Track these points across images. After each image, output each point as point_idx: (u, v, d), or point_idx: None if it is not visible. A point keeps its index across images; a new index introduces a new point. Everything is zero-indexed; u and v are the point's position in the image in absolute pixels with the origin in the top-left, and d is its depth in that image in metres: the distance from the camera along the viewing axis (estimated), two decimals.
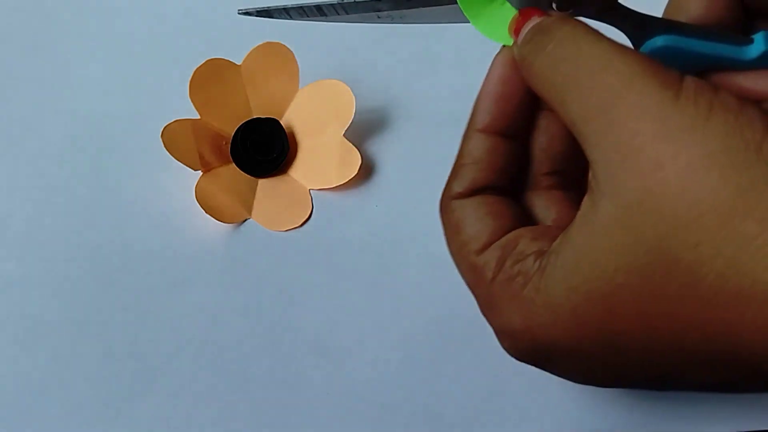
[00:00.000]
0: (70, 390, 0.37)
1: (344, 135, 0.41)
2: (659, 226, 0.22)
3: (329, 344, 0.38)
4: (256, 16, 0.32)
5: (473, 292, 0.28)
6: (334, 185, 0.41)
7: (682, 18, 0.28)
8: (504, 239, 0.27)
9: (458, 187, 0.28)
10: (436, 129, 0.42)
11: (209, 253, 0.40)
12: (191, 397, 0.37)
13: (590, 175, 0.24)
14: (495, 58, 0.28)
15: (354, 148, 0.41)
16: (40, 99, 0.44)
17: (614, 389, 0.37)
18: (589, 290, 0.23)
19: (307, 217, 0.41)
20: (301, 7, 0.30)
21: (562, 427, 0.37)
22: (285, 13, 0.31)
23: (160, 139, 0.39)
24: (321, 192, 0.42)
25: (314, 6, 0.30)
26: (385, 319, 0.39)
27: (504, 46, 0.28)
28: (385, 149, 0.42)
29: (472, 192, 0.28)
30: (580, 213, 0.24)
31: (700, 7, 0.28)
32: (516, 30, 0.27)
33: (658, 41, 0.28)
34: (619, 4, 0.28)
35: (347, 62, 0.44)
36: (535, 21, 0.26)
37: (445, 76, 0.43)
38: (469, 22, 0.28)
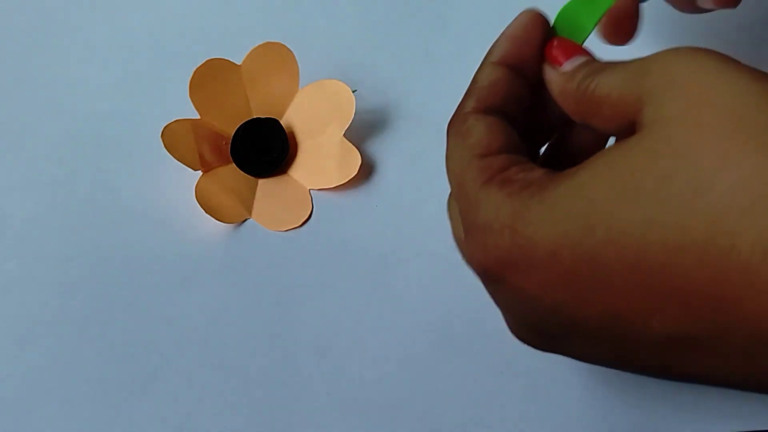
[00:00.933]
0: (70, 390, 0.37)
1: (344, 135, 0.41)
2: (693, 132, 0.21)
3: (329, 344, 0.38)
4: None
5: (462, 195, 0.27)
6: (334, 185, 0.41)
7: None
8: (512, 154, 0.27)
9: (472, 104, 0.28)
10: (436, 129, 0.42)
11: (209, 253, 0.40)
12: (191, 397, 0.37)
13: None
14: (522, 14, 0.29)
15: (354, 148, 0.41)
16: (40, 99, 0.44)
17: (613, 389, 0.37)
18: (596, 192, 0.22)
19: (307, 217, 0.41)
20: None
21: (561, 427, 0.37)
22: None
23: (160, 139, 0.39)
24: (321, 192, 0.42)
25: None
26: (385, 319, 0.39)
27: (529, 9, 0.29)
28: (385, 149, 0.42)
29: (485, 110, 0.28)
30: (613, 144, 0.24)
31: None
32: (555, 58, 0.28)
33: None
34: None
35: (347, 62, 0.44)
36: (583, 59, 0.27)
37: (445, 76, 0.43)
38: None
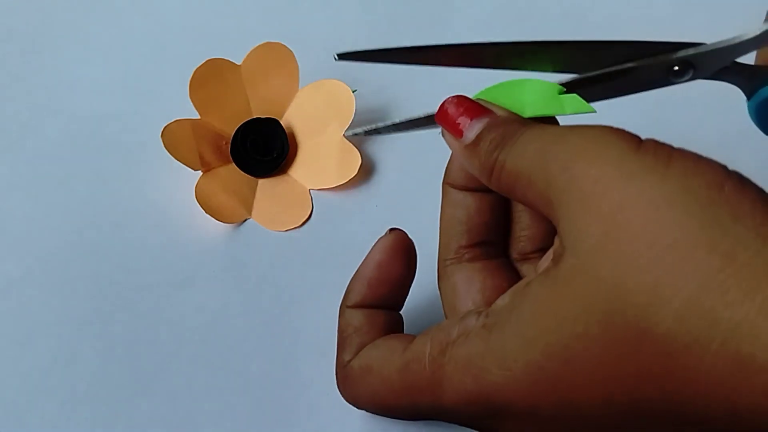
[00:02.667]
0: (69, 390, 0.37)
1: (344, 135, 0.41)
2: (617, 269, 0.21)
3: (329, 344, 0.38)
4: (365, 134, 0.32)
5: (413, 394, 0.26)
6: (334, 185, 0.41)
7: None
8: (435, 329, 0.26)
9: (349, 355, 0.29)
10: (436, 129, 0.42)
11: (209, 253, 0.40)
12: (191, 397, 0.37)
13: (555, 240, 0.23)
14: (377, 243, 0.29)
15: (354, 148, 0.41)
16: (40, 99, 0.44)
17: None
18: (547, 343, 0.22)
19: (307, 217, 0.41)
20: (411, 120, 0.30)
21: None
22: (394, 127, 0.31)
23: (160, 139, 0.39)
24: (321, 192, 0.42)
25: (425, 117, 0.30)
26: None
27: (389, 233, 0.29)
28: (385, 149, 0.42)
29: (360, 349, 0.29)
30: (540, 271, 0.23)
31: None
32: (454, 126, 0.26)
33: None
34: (733, 62, 0.28)
35: (347, 62, 0.44)
36: (485, 121, 0.26)
37: (445, 76, 0.43)
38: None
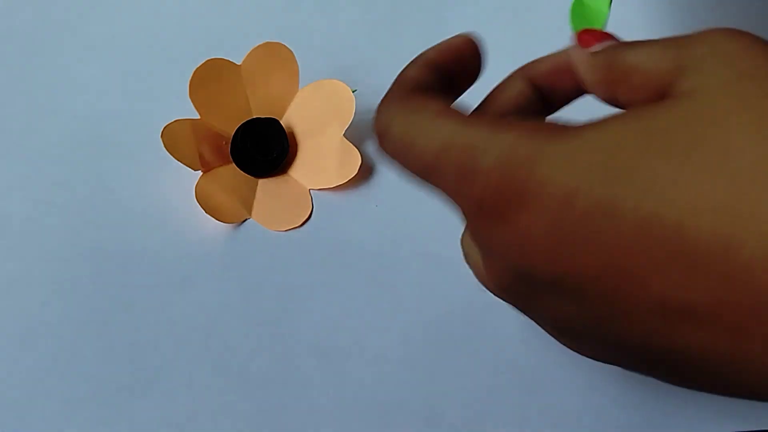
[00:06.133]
0: (70, 390, 0.37)
1: (344, 135, 0.41)
2: (731, 124, 0.21)
3: (329, 344, 0.38)
4: None
5: (468, 144, 0.24)
6: (334, 185, 0.41)
7: None
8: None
9: (397, 104, 0.28)
10: None
11: (209, 253, 0.40)
12: (191, 397, 0.37)
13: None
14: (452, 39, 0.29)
15: (354, 148, 0.41)
16: (40, 99, 0.44)
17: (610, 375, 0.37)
18: (626, 147, 0.22)
19: (307, 217, 0.41)
20: None
21: (561, 426, 0.37)
22: None
23: (160, 139, 0.39)
24: (321, 192, 0.42)
25: None
26: (385, 319, 0.39)
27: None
28: None
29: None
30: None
31: None
32: (586, 41, 0.28)
33: None
34: None
35: (347, 62, 0.44)
36: (614, 42, 0.27)
37: None
38: None
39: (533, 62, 0.29)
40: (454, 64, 0.29)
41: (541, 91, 0.29)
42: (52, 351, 0.38)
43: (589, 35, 0.28)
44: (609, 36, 0.28)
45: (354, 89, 0.41)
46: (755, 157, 0.20)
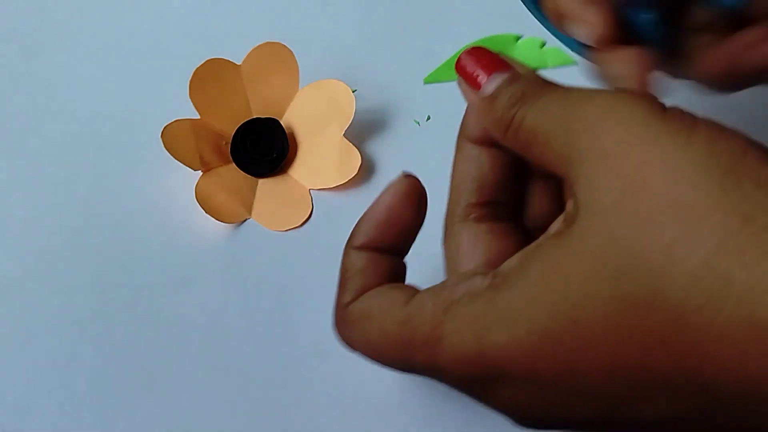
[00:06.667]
0: (70, 390, 0.37)
1: (344, 135, 0.41)
2: (634, 227, 0.20)
3: (329, 344, 0.38)
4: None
5: (410, 349, 0.25)
6: (334, 185, 0.41)
7: None
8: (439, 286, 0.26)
9: (348, 297, 0.28)
10: (436, 129, 0.42)
11: (209, 253, 0.40)
12: (191, 397, 0.37)
13: (568, 203, 0.23)
14: (389, 186, 0.27)
15: (354, 148, 0.41)
16: (40, 99, 0.44)
17: None
18: (554, 302, 0.22)
19: (307, 217, 0.41)
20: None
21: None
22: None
23: (160, 139, 0.39)
24: (321, 192, 0.42)
25: None
26: None
27: (402, 177, 0.28)
28: (385, 149, 0.42)
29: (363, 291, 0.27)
30: (552, 233, 0.23)
31: None
32: (471, 78, 0.26)
33: None
34: None
35: (347, 62, 0.44)
36: (505, 76, 0.25)
37: None
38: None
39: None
40: (394, 238, 0.27)
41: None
42: (52, 351, 0.38)
43: (474, 64, 0.26)
44: (498, 64, 0.26)
45: (354, 89, 0.41)
46: (676, 290, 0.20)
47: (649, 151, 0.21)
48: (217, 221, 0.40)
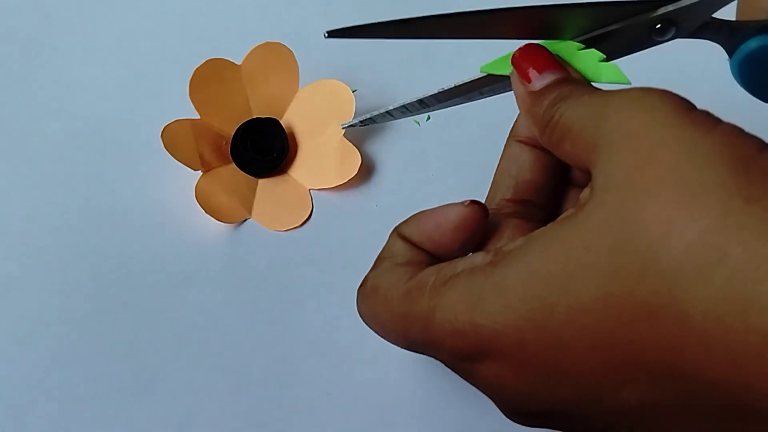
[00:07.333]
0: (70, 390, 0.37)
1: (344, 135, 0.41)
2: (639, 199, 0.21)
3: (329, 344, 0.38)
4: (360, 125, 0.33)
5: (408, 321, 0.25)
6: (334, 185, 0.41)
7: (762, 16, 0.28)
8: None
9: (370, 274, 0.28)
10: (436, 129, 0.42)
11: (209, 253, 0.40)
12: (191, 397, 0.37)
13: (585, 190, 0.23)
14: (459, 207, 0.27)
15: (354, 148, 0.41)
16: (40, 99, 0.44)
17: None
18: (550, 272, 0.22)
19: (307, 217, 0.41)
20: (403, 105, 0.30)
21: None
22: (389, 115, 0.31)
23: (160, 139, 0.39)
24: (321, 192, 0.42)
25: (416, 101, 0.30)
26: None
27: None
28: (385, 149, 0.42)
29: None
30: (561, 216, 0.23)
31: None
32: (524, 71, 0.27)
33: (752, 44, 0.28)
34: (713, 18, 0.28)
35: (347, 62, 0.44)
36: (556, 76, 0.26)
37: (445, 76, 0.43)
38: None
39: (515, 124, 0.29)
40: (442, 249, 0.27)
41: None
42: (52, 351, 0.38)
43: (528, 61, 0.27)
44: (550, 64, 0.27)
45: (354, 89, 0.41)
46: (671, 258, 0.20)
47: (669, 134, 0.21)
48: (217, 221, 0.40)
